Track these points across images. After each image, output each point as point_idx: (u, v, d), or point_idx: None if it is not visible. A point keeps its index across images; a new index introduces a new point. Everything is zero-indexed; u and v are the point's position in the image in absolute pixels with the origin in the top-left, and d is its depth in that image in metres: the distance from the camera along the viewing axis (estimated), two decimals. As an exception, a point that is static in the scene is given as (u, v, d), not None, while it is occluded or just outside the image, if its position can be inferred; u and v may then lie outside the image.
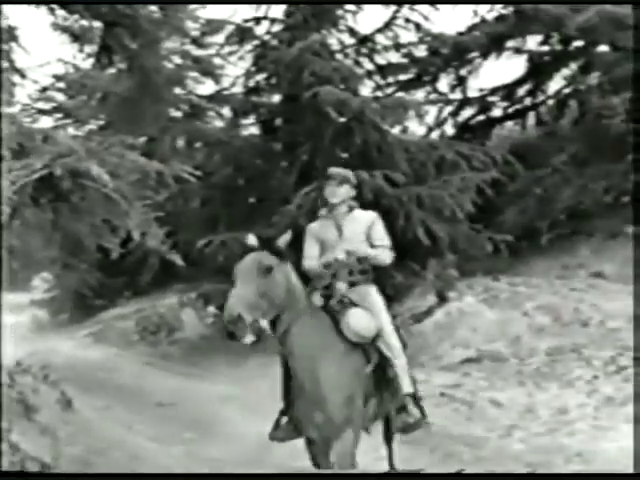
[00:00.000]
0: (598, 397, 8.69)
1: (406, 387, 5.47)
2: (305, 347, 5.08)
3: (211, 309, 14.28)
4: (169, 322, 14.86)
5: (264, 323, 5.01)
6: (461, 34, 15.45)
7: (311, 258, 5.81)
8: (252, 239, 5.15)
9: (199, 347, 14.01)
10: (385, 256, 5.73)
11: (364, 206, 6.00)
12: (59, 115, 17.26)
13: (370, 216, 5.87)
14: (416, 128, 16.82)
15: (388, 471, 5.39)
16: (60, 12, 8.86)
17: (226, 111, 15.56)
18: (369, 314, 5.44)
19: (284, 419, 5.44)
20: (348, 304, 5.46)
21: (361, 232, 5.77)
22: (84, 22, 9.68)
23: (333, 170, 5.90)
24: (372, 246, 5.73)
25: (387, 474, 2.90)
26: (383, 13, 15.74)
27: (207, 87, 16.06)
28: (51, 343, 16.75)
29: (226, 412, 9.80)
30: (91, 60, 11.08)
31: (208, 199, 14.26)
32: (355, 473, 3.02)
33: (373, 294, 5.69)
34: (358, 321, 5.32)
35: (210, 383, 11.52)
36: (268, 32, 15.08)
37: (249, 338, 4.86)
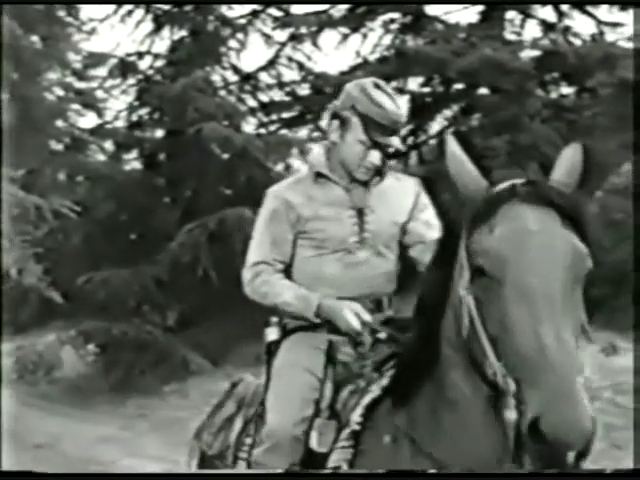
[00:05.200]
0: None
1: None
2: None
3: (91, 347, 13.96)
4: (48, 360, 14.46)
5: None
6: (344, 74, 15.60)
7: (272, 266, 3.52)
8: None
9: (79, 386, 13.68)
10: None
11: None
12: None
13: (412, 186, 3.66)
14: (300, 166, 16.88)
15: None
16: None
17: (109, 145, 15.34)
18: None
19: None
20: None
21: (399, 223, 3.56)
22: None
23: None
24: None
25: (387, 474, 2.73)
26: (266, 52, 15.86)
27: (89, 120, 15.83)
28: None
29: (105, 453, 9.58)
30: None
31: (89, 235, 13.98)
32: (354, 473, 2.88)
33: None
34: None
35: (89, 423, 11.25)
36: (151, 67, 15.03)
37: None
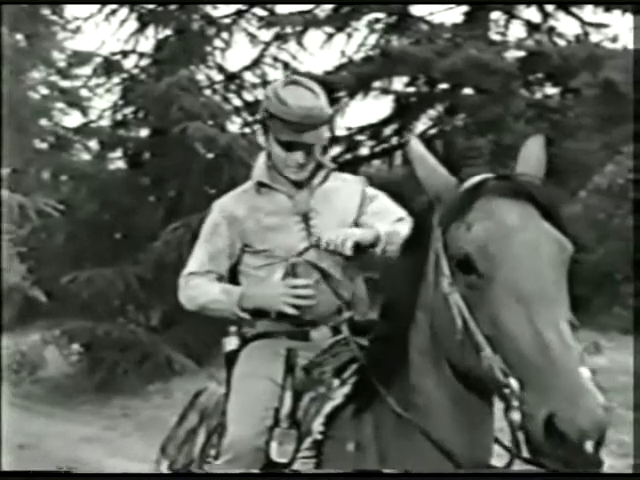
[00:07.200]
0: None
1: None
2: None
3: (75, 347, 13.91)
4: (31, 360, 14.40)
5: None
6: (328, 73, 15.63)
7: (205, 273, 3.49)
8: None
9: (63, 386, 13.63)
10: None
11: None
12: None
13: (357, 185, 3.62)
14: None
15: None
16: None
17: (93, 144, 15.32)
18: None
19: None
20: None
21: (347, 222, 3.44)
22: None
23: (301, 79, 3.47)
24: None
25: (387, 474, 2.65)
26: (251, 51, 15.88)
27: (74, 119, 15.79)
28: None
29: (89, 453, 9.55)
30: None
31: (73, 234, 13.95)
32: (353, 473, 2.83)
33: None
34: None
35: (73, 423, 11.22)
36: (136, 66, 15.00)
37: None
